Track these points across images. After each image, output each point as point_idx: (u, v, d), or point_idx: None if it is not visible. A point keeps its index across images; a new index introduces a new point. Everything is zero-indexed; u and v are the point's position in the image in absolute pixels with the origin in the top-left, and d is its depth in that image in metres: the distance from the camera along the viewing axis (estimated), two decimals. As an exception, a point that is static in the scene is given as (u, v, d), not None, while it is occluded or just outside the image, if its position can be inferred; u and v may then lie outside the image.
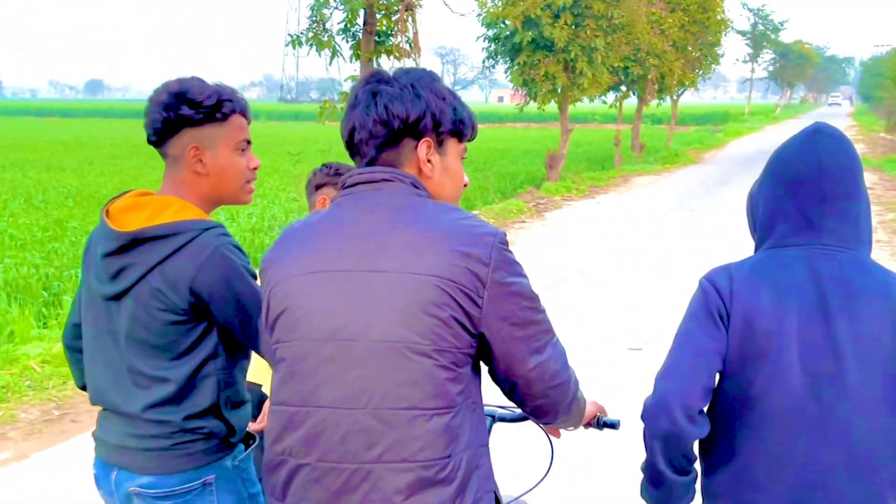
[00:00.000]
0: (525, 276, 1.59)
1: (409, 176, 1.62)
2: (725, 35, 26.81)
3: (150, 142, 1.89)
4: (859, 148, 28.93)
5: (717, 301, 1.68)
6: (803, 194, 1.67)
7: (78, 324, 2.01)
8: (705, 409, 1.67)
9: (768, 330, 1.63)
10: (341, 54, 10.26)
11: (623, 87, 22.28)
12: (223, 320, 1.83)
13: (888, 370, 1.61)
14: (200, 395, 1.83)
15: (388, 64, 10.48)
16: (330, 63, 10.33)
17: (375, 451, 1.49)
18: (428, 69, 1.75)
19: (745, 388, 1.66)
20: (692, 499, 1.77)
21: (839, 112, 71.95)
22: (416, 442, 1.48)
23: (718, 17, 24.59)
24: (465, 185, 1.76)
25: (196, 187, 1.88)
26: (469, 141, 1.74)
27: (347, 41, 10.51)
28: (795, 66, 64.79)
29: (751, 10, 57.31)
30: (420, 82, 1.65)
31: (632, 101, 24.80)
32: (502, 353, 1.55)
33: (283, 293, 1.59)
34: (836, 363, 1.60)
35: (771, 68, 65.84)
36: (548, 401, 1.64)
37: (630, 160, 23.64)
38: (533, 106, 17.54)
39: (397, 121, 1.60)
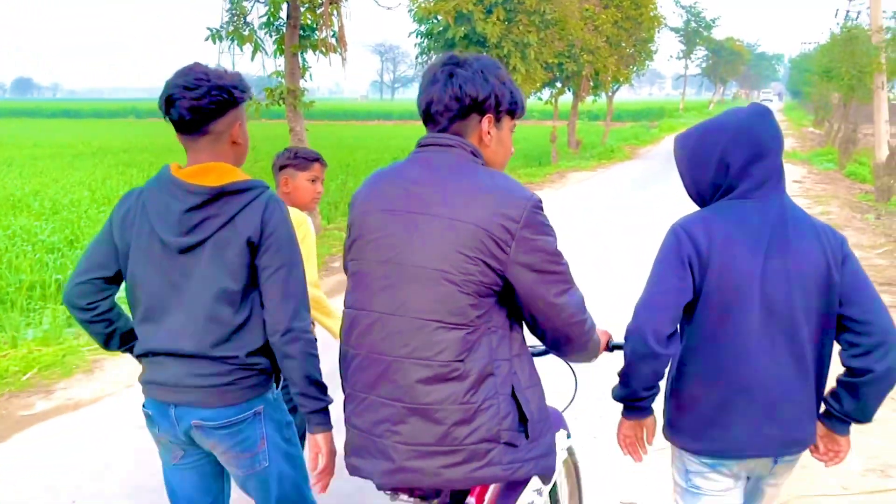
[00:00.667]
0: (551, 236, 1.94)
1: (470, 144, 2.00)
2: (659, 32, 27.07)
3: (187, 122, 2.12)
4: (789, 143, 29.52)
5: (688, 248, 2.10)
6: (768, 159, 2.12)
7: (90, 280, 2.22)
8: (674, 332, 2.11)
9: (740, 267, 2.06)
10: (264, 49, 9.89)
11: (558, 84, 22.27)
12: (267, 259, 2.12)
13: (821, 289, 2.08)
14: (255, 334, 2.15)
15: (313, 59, 10.16)
16: (252, 58, 9.95)
17: (406, 348, 1.91)
18: (493, 58, 2.10)
19: (722, 316, 2.09)
20: (648, 402, 2.23)
21: (771, 108, 73.65)
22: (437, 346, 1.88)
23: (651, 13, 24.79)
24: (511, 154, 2.15)
25: (232, 156, 2.21)
26: (519, 118, 2.11)
27: (271, 35, 10.14)
28: (727, 63, 66.14)
29: (683, 8, 58.37)
30: (487, 69, 2.01)
31: (568, 98, 24.86)
32: (525, 293, 1.91)
33: (360, 223, 2.02)
34: (788, 287, 2.06)
35: (704, 65, 67.08)
36: (565, 336, 2.01)
37: (566, 156, 23.69)
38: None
39: (468, 98, 1.97)
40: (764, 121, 2.17)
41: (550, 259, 1.92)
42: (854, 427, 4.60)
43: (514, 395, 1.94)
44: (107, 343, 2.34)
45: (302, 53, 10.02)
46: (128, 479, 3.96)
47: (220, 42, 9.70)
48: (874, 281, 8.33)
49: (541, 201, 1.94)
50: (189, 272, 2.13)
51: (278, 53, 10.19)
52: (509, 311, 1.98)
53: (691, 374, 2.17)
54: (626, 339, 2.14)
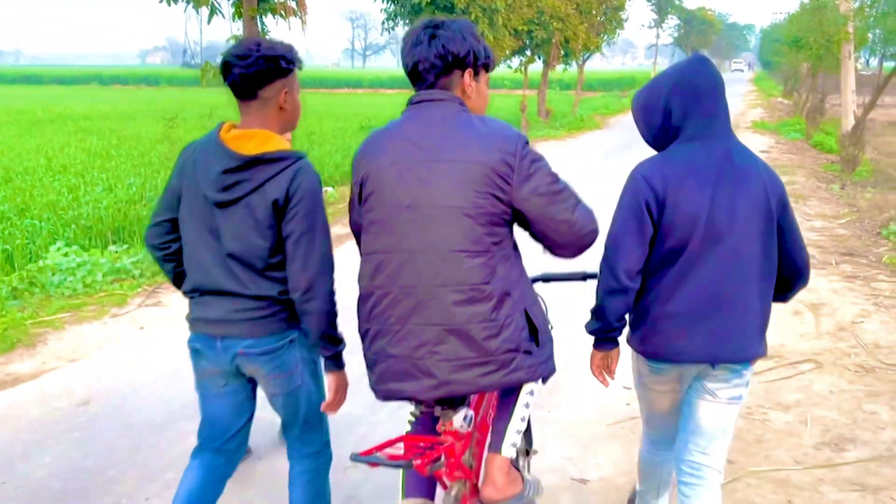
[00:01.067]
0: (542, 161, 2.23)
1: (457, 98, 2.29)
2: (630, 0, 26.80)
3: (239, 87, 2.40)
4: (757, 112, 29.59)
5: (646, 192, 2.38)
6: (706, 102, 2.41)
7: (160, 222, 2.56)
8: (641, 267, 2.44)
9: (691, 202, 2.35)
10: (220, 12, 9.56)
11: (527, 52, 22.00)
12: (291, 225, 2.38)
13: (761, 217, 2.38)
14: (277, 282, 2.43)
15: (272, 23, 9.85)
16: (209, 21, 9.62)
17: (439, 279, 2.19)
18: (467, 20, 2.38)
19: (675, 245, 2.38)
20: (618, 334, 2.57)
21: (742, 77, 73.74)
22: (465, 273, 2.18)
23: (622, -19, 24.49)
24: (487, 102, 2.44)
25: (278, 121, 2.48)
26: (491, 71, 2.42)
27: (228, -2, 9.81)
28: (699, 33, 65.92)
29: (655, -24, 57.96)
30: (464, 29, 2.29)
31: (538, 67, 24.59)
32: (537, 217, 2.21)
33: (374, 178, 2.26)
34: (732, 216, 2.35)
35: (676, 34, 66.92)
36: (579, 247, 2.30)
37: (536, 126, 23.52)
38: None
39: (451, 56, 2.26)
40: (699, 67, 2.46)
41: (550, 181, 2.21)
42: (807, 401, 4.58)
43: (525, 311, 2.27)
44: (176, 282, 2.67)
45: (261, 17, 9.70)
46: (61, 459, 3.81)
47: (175, 5, 9.36)
48: (836, 251, 8.33)
49: (527, 138, 2.26)
50: (225, 224, 2.40)
51: (237, 17, 9.86)
52: (515, 240, 2.32)
53: (646, 291, 2.48)
54: (599, 276, 2.50)
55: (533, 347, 2.28)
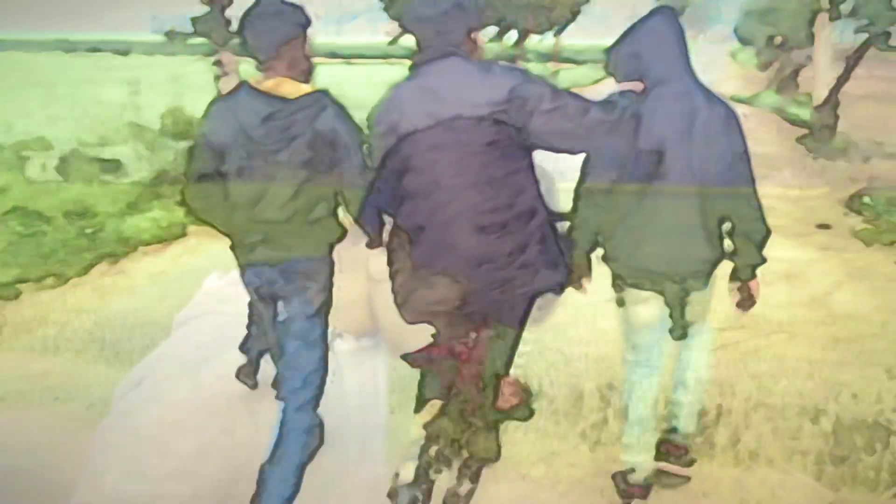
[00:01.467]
0: (544, 82, 2.52)
1: (462, 52, 2.57)
2: (606, -32, 26.53)
3: (257, 44, 2.67)
4: (734, 84, 29.61)
5: None
6: (666, 46, 2.84)
7: (201, 178, 2.74)
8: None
9: (656, 135, 2.72)
10: (186, -26, 9.30)
11: (503, 21, 21.76)
12: (342, 154, 2.65)
13: (717, 145, 2.77)
14: (326, 205, 2.73)
15: (240, -13, 9.60)
16: (174, -17, 9.37)
17: (470, 209, 2.49)
18: None
19: (645, 173, 2.75)
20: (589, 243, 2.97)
21: (717, 50, 73.81)
22: (491, 201, 2.49)
23: (598, -52, 24.22)
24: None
25: (297, 71, 2.69)
26: (482, 28, 2.76)
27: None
28: (676, 2, 65.93)
29: (633, -54, 57.65)
30: None
31: (514, 37, 24.36)
32: (561, 133, 2.50)
33: (402, 127, 2.52)
34: (690, 144, 2.73)
35: (653, 5, 66.84)
36: (607, 135, 2.58)
37: (512, 96, 23.31)
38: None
39: (456, 11, 2.54)
40: (662, 16, 2.91)
41: (555, 95, 2.48)
42: (779, 371, 4.50)
43: (548, 227, 2.61)
44: (221, 229, 2.81)
45: (228, -18, 9.47)
46: (6, 435, 3.70)
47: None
48: (809, 222, 8.30)
49: (528, 70, 2.58)
50: (277, 167, 2.63)
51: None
52: (533, 167, 2.60)
53: (619, 218, 2.86)
54: (576, 195, 2.90)
55: (555, 259, 2.62)
